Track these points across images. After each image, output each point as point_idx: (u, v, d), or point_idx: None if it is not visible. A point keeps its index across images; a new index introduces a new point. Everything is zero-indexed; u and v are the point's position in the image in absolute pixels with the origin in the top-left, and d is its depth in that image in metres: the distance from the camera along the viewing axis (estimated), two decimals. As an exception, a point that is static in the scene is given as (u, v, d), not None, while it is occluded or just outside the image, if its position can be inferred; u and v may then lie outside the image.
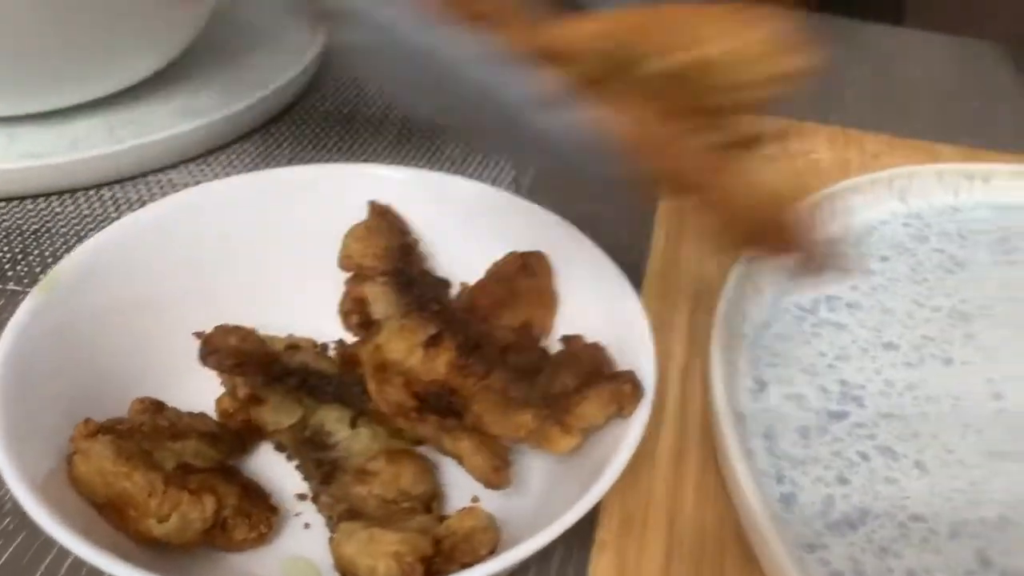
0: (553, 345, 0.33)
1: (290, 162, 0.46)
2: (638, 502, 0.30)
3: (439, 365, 0.29)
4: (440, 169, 0.41)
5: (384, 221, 0.34)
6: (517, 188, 0.44)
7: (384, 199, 0.35)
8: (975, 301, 0.40)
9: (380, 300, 0.32)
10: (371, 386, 0.29)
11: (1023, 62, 0.50)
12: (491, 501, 0.29)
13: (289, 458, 0.30)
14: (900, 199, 0.46)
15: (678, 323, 0.37)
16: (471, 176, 0.42)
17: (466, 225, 0.35)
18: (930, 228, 0.44)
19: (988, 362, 0.37)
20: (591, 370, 0.30)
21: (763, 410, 0.34)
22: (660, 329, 0.33)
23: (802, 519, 0.30)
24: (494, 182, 0.44)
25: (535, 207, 0.34)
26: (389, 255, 0.33)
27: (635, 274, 0.34)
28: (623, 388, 0.28)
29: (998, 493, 0.31)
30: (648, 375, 0.29)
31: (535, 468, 0.30)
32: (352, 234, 0.34)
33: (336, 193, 0.35)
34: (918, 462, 0.32)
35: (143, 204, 0.37)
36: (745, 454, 0.30)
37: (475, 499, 0.30)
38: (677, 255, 0.41)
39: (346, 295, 0.34)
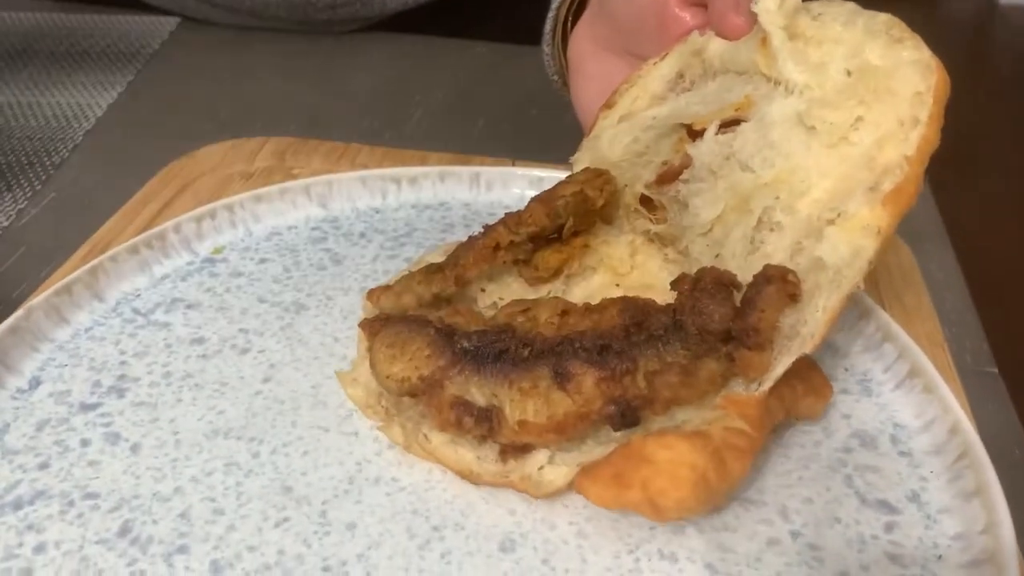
0: None
1: None
2: None
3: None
4: None
5: None
6: None
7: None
8: (319, 296, 0.42)
9: None
10: None
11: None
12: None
13: None
14: (320, 205, 0.48)
15: None
16: None
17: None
18: (338, 230, 0.47)
19: (286, 348, 0.39)
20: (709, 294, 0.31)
21: (18, 407, 0.36)
22: None
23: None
24: None
25: None
26: None
27: None
28: (780, 283, 0.30)
29: (192, 469, 0.33)
30: None
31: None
32: None
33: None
34: (135, 445, 0.34)
35: None
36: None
37: None
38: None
39: None
